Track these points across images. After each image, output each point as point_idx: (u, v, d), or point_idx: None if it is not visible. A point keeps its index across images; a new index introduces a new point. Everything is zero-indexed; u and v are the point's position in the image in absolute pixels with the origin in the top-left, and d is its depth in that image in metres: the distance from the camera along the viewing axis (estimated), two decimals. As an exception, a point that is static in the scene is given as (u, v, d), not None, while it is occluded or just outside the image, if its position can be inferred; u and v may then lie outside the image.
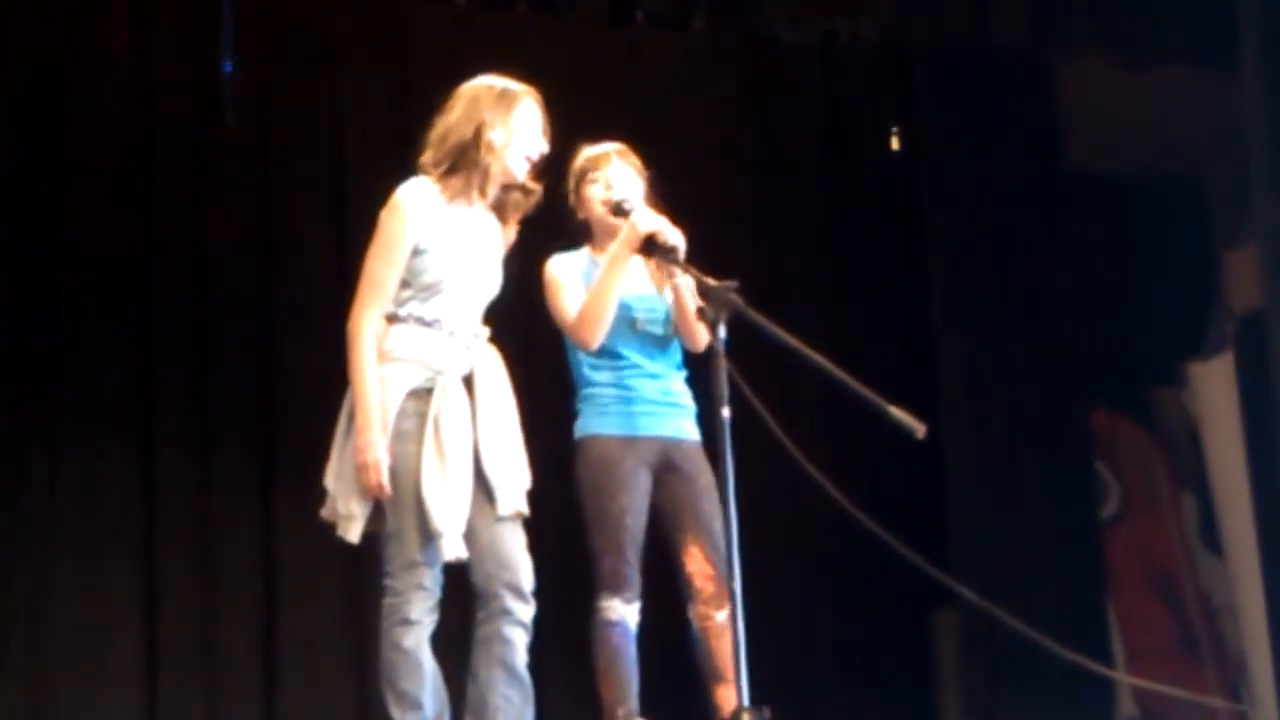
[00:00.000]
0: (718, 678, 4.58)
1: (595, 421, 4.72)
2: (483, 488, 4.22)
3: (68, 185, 6.61)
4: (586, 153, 4.83)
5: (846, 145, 7.72)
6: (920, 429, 4.19)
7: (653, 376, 4.74)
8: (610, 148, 4.83)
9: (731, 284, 4.30)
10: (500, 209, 4.45)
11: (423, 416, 4.19)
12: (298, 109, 6.95)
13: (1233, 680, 7.66)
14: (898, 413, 4.19)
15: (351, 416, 4.22)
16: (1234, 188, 7.55)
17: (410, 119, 6.75)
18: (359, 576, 6.24)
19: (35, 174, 6.58)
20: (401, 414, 4.19)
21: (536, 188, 4.48)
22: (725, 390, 4.16)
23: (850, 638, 7.12)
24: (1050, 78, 7.69)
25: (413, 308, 4.29)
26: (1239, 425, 7.56)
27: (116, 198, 6.66)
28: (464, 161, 4.34)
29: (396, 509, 4.17)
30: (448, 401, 4.21)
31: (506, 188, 4.43)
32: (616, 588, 4.59)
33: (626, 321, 4.70)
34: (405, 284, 4.29)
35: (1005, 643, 6.10)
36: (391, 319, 4.28)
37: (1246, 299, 7.55)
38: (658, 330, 4.76)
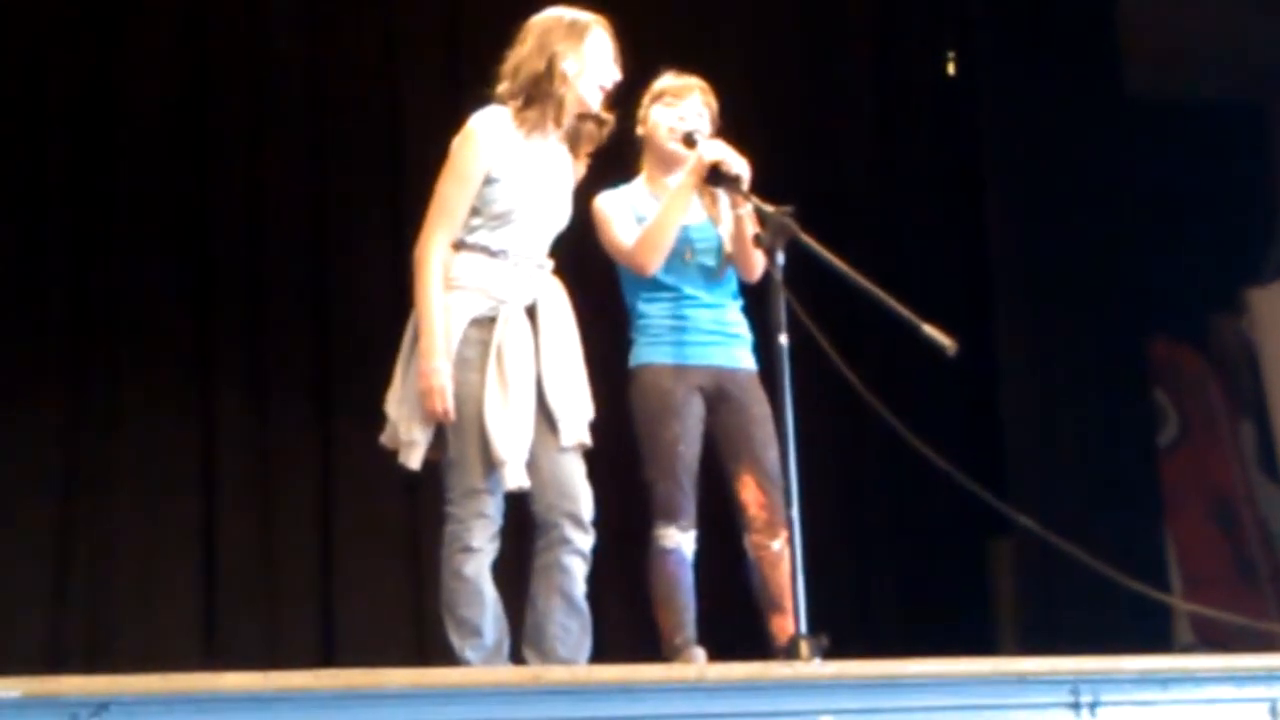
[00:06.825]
0: (774, 607, 4.57)
1: (648, 351, 4.70)
2: (545, 418, 4.22)
3: (121, 119, 6.62)
4: (671, 78, 4.80)
5: (902, 70, 7.64)
6: (951, 346, 4.18)
7: (707, 306, 4.72)
8: (695, 81, 4.80)
9: (787, 209, 4.29)
10: (574, 140, 4.45)
11: (485, 345, 4.19)
12: (349, 37, 6.93)
13: (1290, 606, 7.64)
14: (930, 330, 4.19)
15: (415, 342, 4.22)
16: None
17: (463, 45, 6.80)
18: (416, 506, 6.29)
19: (89, 110, 6.60)
20: (464, 342, 4.19)
21: (610, 118, 4.47)
22: (783, 317, 4.14)
23: (907, 566, 7.11)
24: (1111, 2, 7.58)
25: (480, 236, 4.28)
26: (1298, 351, 7.52)
27: (169, 130, 6.67)
28: (538, 93, 4.33)
29: (459, 436, 4.17)
30: (510, 331, 4.21)
31: (581, 118, 4.42)
32: (671, 515, 4.58)
33: (678, 252, 4.68)
34: (475, 212, 4.28)
35: (1062, 571, 6.08)
36: (458, 246, 4.27)
37: (1307, 224, 7.50)
38: (710, 261, 4.73)
